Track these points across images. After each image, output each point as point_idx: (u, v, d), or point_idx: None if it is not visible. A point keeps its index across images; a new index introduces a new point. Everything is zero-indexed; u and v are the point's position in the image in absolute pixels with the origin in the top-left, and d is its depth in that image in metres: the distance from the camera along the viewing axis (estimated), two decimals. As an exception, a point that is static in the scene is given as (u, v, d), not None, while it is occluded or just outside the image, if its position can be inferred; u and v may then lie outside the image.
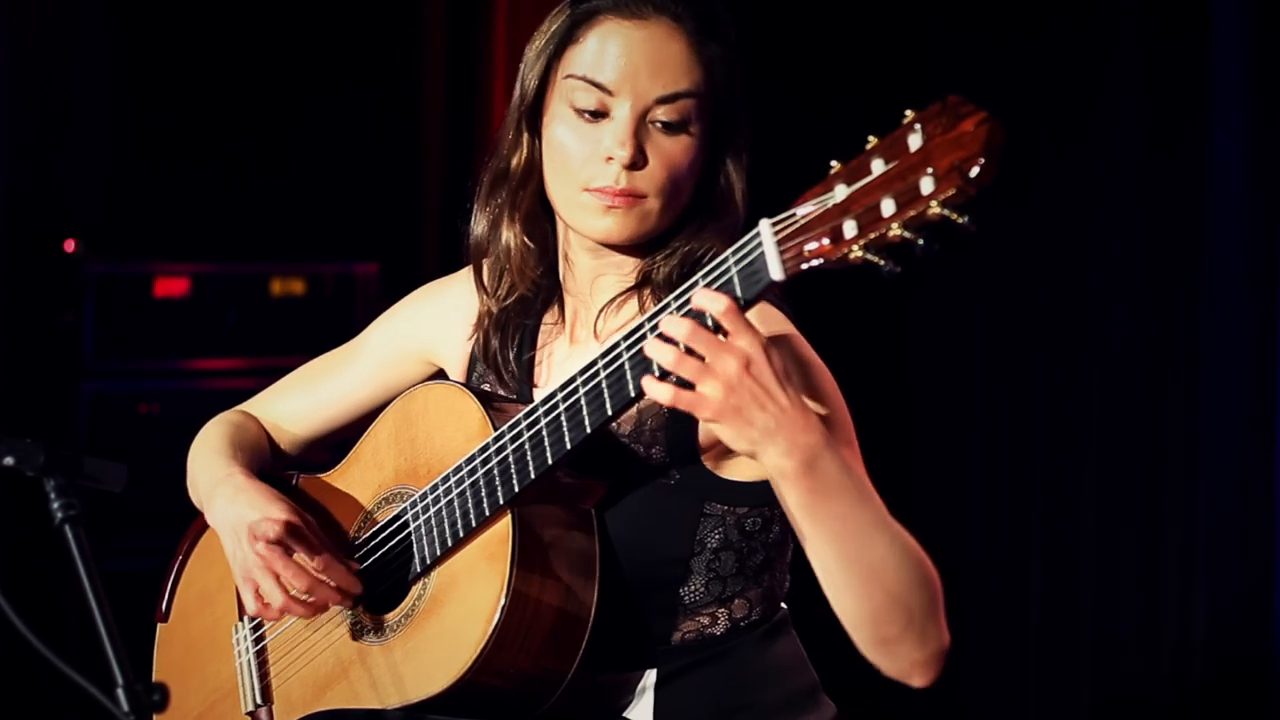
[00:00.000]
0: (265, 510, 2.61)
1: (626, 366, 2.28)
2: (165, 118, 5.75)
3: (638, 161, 2.47)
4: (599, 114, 2.49)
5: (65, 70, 5.60)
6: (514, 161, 2.60)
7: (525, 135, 2.59)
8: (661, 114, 2.48)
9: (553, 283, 2.66)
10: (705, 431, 2.45)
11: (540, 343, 2.66)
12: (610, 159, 2.47)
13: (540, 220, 2.63)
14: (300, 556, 2.58)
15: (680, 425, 2.46)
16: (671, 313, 2.23)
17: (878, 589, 2.26)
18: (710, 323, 2.19)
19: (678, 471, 2.48)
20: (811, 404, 2.28)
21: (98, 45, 5.67)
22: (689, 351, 2.19)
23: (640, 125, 2.48)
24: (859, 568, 2.25)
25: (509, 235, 2.63)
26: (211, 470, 2.76)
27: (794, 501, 2.24)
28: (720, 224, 2.54)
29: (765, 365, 2.18)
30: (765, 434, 2.19)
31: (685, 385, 2.20)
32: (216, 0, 5.81)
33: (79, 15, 5.61)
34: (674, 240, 2.55)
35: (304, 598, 2.58)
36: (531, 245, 2.63)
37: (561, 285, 2.65)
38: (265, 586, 2.60)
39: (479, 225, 2.66)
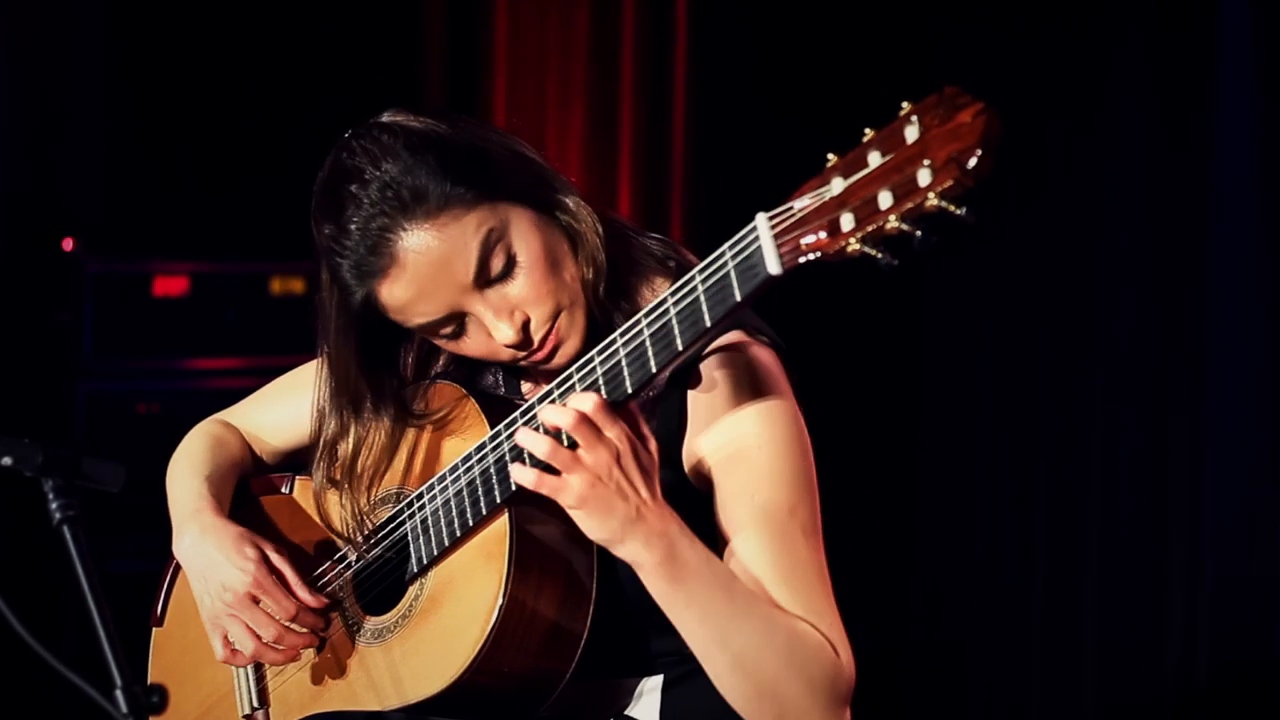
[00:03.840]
0: (231, 557, 2.59)
1: (625, 364, 2.28)
2: (164, 116, 5.74)
3: (522, 324, 2.44)
4: (461, 329, 2.46)
5: (64, 69, 5.59)
6: (342, 448, 2.56)
7: (348, 418, 2.56)
8: (490, 278, 2.42)
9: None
10: (690, 453, 2.45)
11: (525, 390, 2.63)
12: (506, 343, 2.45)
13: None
14: (268, 604, 2.57)
15: (670, 442, 2.45)
16: (554, 401, 2.29)
17: (743, 678, 2.32)
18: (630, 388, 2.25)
19: (675, 487, 2.44)
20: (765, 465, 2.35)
21: (96, 44, 5.67)
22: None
23: (491, 300, 2.43)
24: (724, 656, 2.31)
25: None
26: (182, 498, 2.73)
27: (656, 592, 2.30)
28: (585, 249, 2.48)
29: (633, 459, 2.25)
30: (625, 524, 2.26)
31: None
32: (215, -1, 5.81)
33: (77, 14, 5.61)
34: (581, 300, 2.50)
35: (273, 646, 2.58)
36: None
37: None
38: (234, 634, 2.60)
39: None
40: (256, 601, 2.57)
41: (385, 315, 2.46)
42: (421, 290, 2.41)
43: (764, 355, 2.45)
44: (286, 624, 2.57)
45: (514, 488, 2.37)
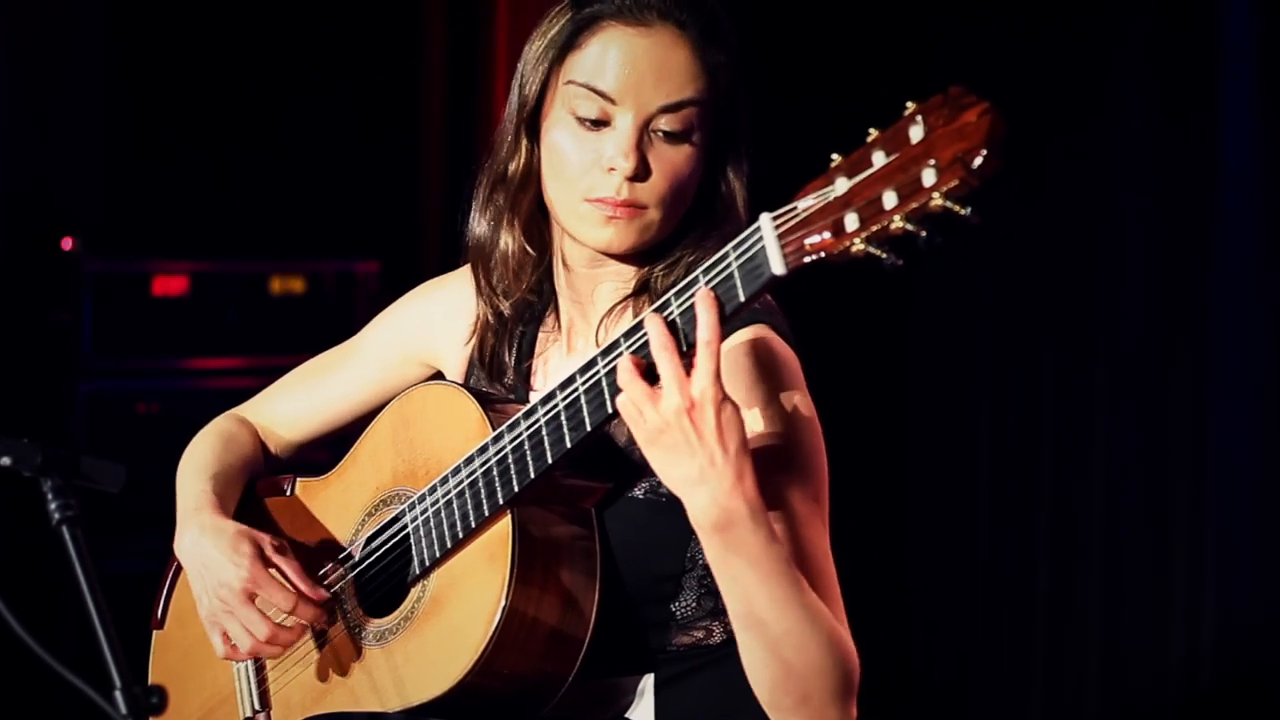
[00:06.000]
0: (228, 554, 2.59)
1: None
2: (164, 115, 5.74)
3: (640, 173, 2.44)
4: (600, 122, 2.46)
5: (64, 69, 5.59)
6: (512, 167, 2.56)
7: (525, 141, 2.55)
8: (664, 123, 2.45)
9: (550, 289, 2.64)
10: None
11: (537, 350, 2.64)
12: (612, 169, 2.44)
13: (539, 225, 2.60)
14: (264, 600, 2.57)
15: None
16: (661, 319, 2.23)
17: (776, 660, 2.29)
18: (685, 345, 2.21)
19: (668, 490, 2.45)
20: (766, 449, 2.32)
21: (96, 44, 5.66)
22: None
23: (643, 135, 2.44)
24: (760, 635, 2.28)
25: (508, 238, 2.60)
26: (185, 497, 2.73)
27: (707, 554, 2.27)
28: (722, 232, 2.48)
29: (709, 416, 2.19)
30: (686, 481, 2.22)
31: None
32: (215, -2, 5.81)
33: (77, 14, 5.60)
34: (676, 249, 2.52)
35: (268, 643, 2.58)
36: (530, 250, 2.60)
37: (558, 293, 2.63)
38: (232, 631, 2.60)
39: (479, 226, 2.63)
40: (253, 598, 2.57)
41: (570, 54, 2.47)
42: (623, 61, 2.44)
43: (785, 351, 2.44)
44: (283, 617, 2.56)
45: (516, 489, 2.37)
